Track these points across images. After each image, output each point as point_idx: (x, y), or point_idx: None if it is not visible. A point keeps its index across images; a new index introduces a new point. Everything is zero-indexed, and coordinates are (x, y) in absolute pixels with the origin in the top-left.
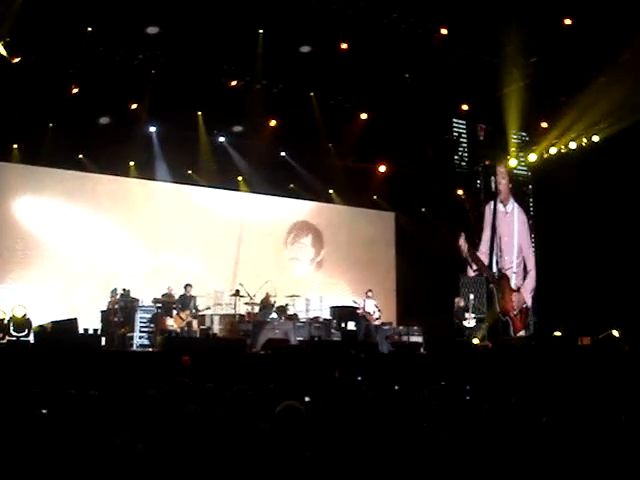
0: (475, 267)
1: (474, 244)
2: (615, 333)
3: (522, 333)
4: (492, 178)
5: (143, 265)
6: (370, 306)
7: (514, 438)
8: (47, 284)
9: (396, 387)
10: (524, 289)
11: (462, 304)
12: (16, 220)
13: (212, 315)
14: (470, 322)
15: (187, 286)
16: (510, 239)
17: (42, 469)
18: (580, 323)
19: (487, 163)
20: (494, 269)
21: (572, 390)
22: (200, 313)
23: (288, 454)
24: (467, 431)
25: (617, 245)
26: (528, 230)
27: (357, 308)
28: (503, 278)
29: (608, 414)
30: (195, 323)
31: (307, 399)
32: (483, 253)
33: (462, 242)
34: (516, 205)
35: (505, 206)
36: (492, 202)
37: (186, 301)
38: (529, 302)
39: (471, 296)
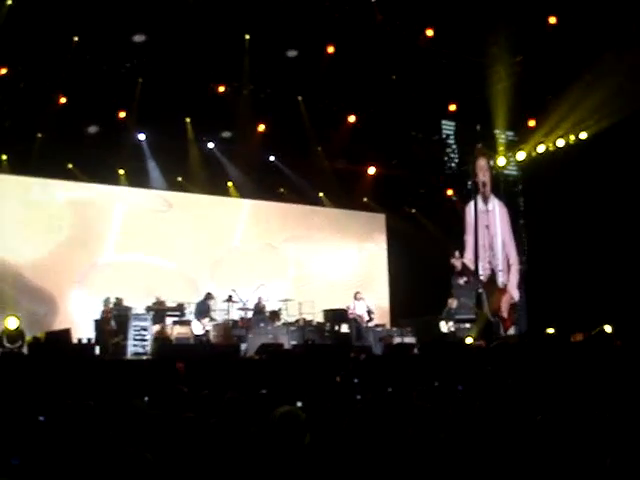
0: (465, 278)
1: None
2: (607, 329)
3: (512, 330)
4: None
5: (133, 272)
6: (360, 308)
7: (508, 436)
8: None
9: (389, 389)
10: (510, 285)
11: (455, 305)
12: (6, 230)
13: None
14: (446, 327)
15: (208, 295)
16: (494, 238)
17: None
18: (572, 320)
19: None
20: (480, 271)
21: (566, 387)
22: (215, 323)
23: (287, 459)
24: (462, 430)
25: (607, 241)
26: (509, 224)
27: (348, 311)
28: (490, 280)
29: (599, 410)
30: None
31: (299, 404)
32: (469, 260)
33: (456, 261)
34: (497, 201)
35: (486, 204)
36: (472, 203)
37: (204, 308)
38: (516, 297)
39: (462, 299)
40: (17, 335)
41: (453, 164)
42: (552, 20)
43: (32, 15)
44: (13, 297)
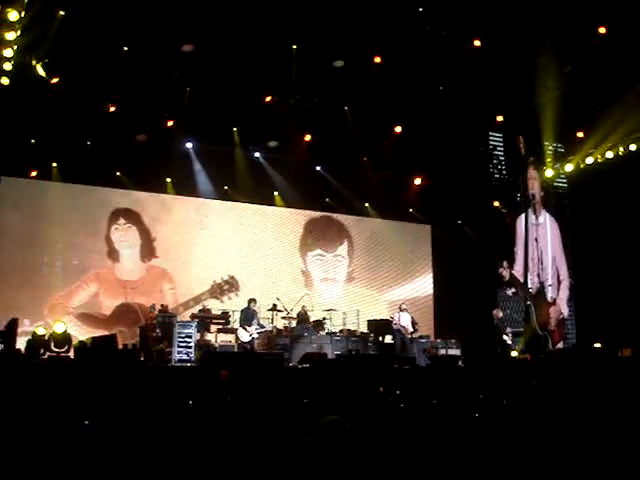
0: (514, 290)
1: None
2: None
3: (560, 345)
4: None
5: (173, 280)
6: (405, 320)
7: (552, 450)
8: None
9: (434, 401)
10: (560, 300)
11: (500, 315)
12: (57, 237)
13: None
14: (510, 339)
15: (251, 301)
16: (545, 251)
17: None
18: (620, 334)
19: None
20: (529, 284)
21: (612, 402)
22: (263, 330)
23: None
24: (505, 442)
25: None
26: (560, 239)
27: (392, 322)
28: (539, 293)
29: None
30: (259, 337)
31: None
32: (518, 272)
33: (505, 272)
34: (547, 215)
35: (537, 217)
36: (523, 215)
37: (249, 316)
38: (565, 312)
39: (508, 311)
40: (64, 340)
41: (500, 175)
42: (602, 30)
43: (83, 26)
44: (62, 303)
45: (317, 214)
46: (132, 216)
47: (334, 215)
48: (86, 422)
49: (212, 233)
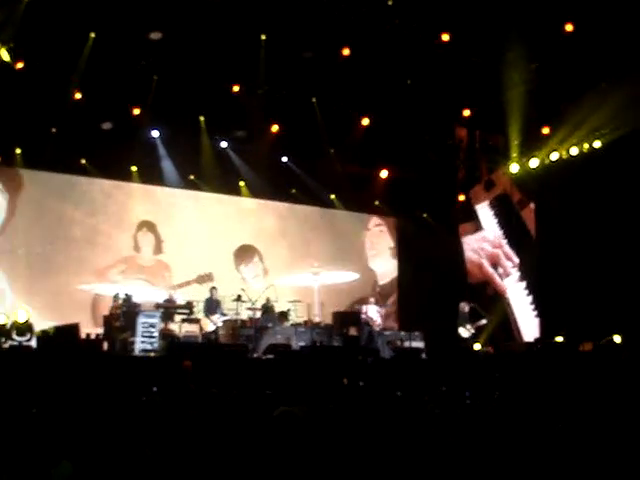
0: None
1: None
2: (617, 339)
3: (523, 337)
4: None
5: (142, 269)
6: (373, 312)
7: (514, 443)
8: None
9: (398, 393)
10: (522, 292)
11: (467, 310)
12: (21, 224)
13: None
14: (466, 332)
15: (212, 289)
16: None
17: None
18: (582, 329)
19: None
20: (496, 279)
21: (572, 396)
22: (226, 318)
23: (286, 460)
24: (468, 436)
25: (619, 250)
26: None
27: (360, 313)
28: (502, 287)
29: (605, 421)
30: (224, 328)
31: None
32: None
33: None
34: (512, 208)
35: (500, 210)
36: (489, 209)
37: (212, 305)
38: (527, 305)
39: (472, 303)
40: (26, 328)
41: (465, 169)
42: (569, 27)
43: (49, 10)
44: (25, 291)
45: (282, 205)
46: (152, 227)
47: (302, 207)
48: (45, 411)
49: (177, 223)
